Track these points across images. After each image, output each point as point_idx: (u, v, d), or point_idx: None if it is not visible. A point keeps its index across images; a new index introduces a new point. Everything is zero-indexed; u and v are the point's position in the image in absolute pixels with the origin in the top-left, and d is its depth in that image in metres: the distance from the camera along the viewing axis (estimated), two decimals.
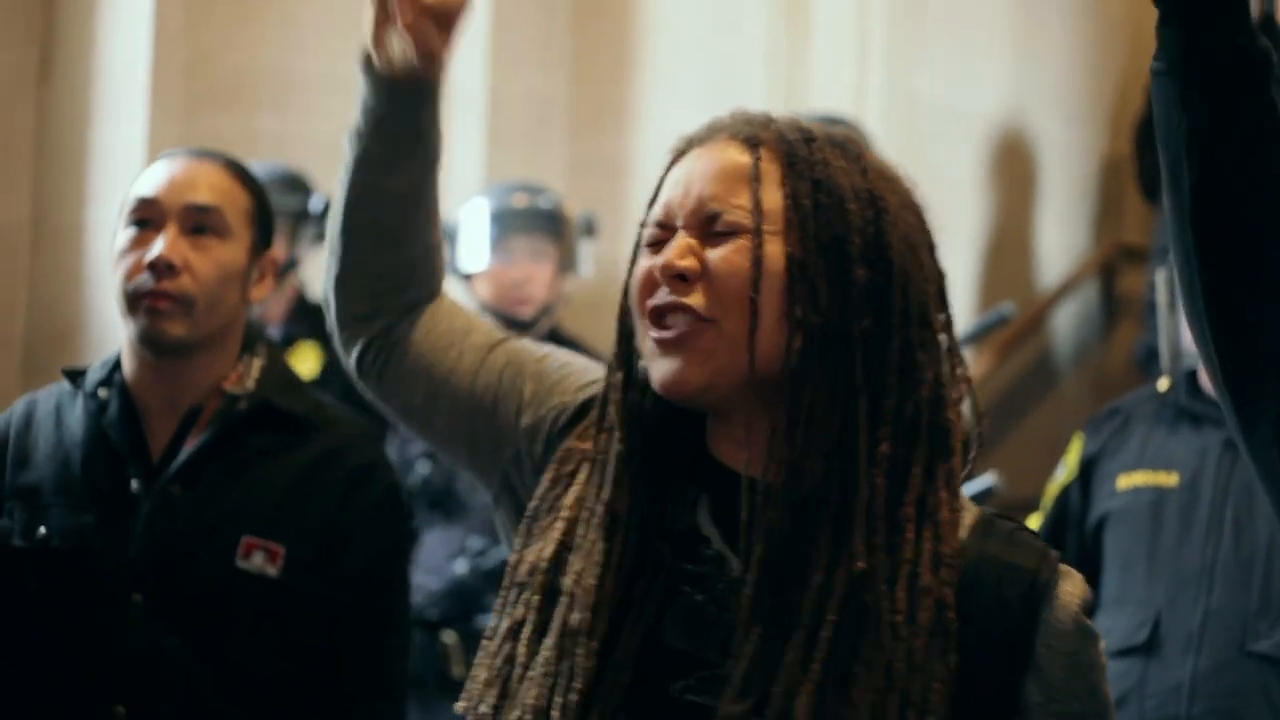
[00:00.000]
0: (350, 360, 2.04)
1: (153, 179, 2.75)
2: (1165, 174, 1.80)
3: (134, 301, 2.70)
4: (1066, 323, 6.25)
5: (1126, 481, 3.67)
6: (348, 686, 2.76)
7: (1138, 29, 6.41)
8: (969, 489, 4.12)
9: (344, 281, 2.02)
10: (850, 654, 1.68)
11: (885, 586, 1.69)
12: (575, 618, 1.76)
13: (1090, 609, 1.81)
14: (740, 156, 1.77)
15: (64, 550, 2.71)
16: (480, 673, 1.82)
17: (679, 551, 1.77)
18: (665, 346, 1.74)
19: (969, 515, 1.77)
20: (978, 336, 5.25)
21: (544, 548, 1.81)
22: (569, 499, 1.83)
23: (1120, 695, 3.51)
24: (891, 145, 5.23)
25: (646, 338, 1.77)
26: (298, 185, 5.01)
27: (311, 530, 2.73)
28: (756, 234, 1.73)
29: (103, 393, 2.77)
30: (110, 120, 5.28)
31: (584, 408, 1.89)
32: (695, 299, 1.74)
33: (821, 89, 5.54)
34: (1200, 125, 1.75)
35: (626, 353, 1.83)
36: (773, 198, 1.75)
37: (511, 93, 5.70)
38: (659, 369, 1.75)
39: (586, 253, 4.89)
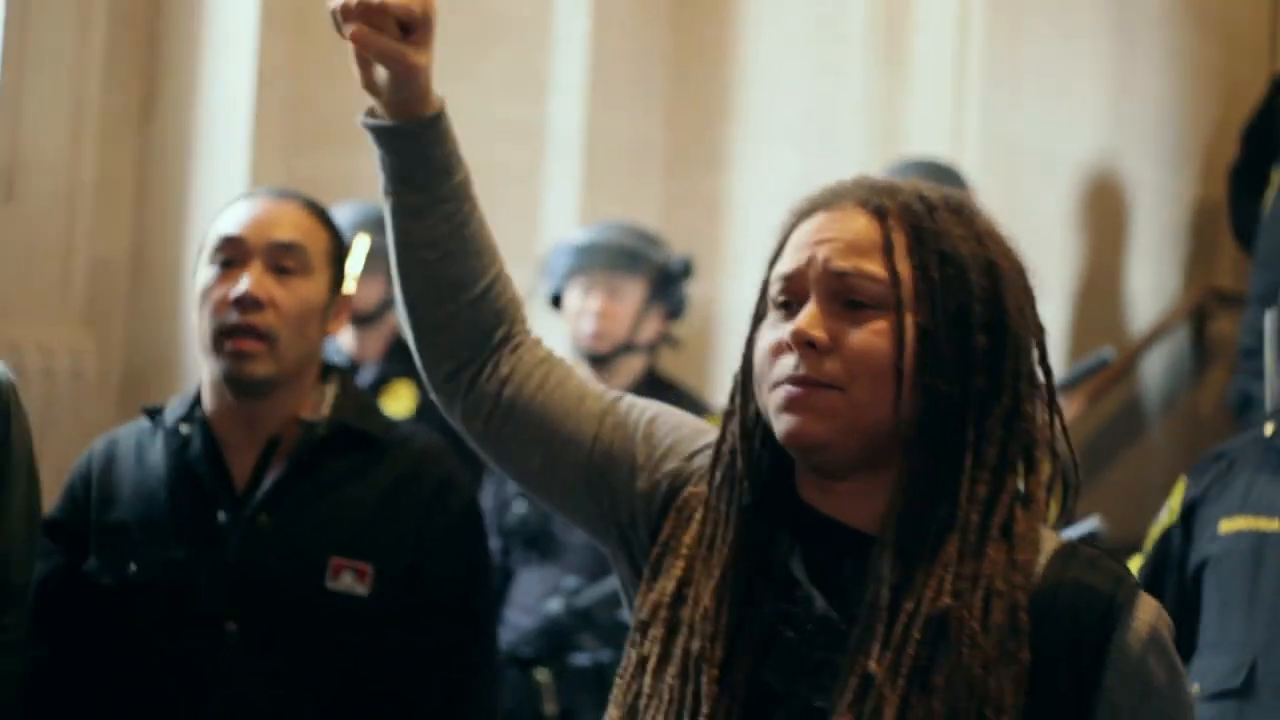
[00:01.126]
0: (461, 426, 2.05)
1: (236, 217, 2.81)
2: None
3: (219, 339, 2.75)
4: (1157, 368, 6.23)
5: (1229, 526, 3.67)
6: (439, 697, 2.79)
7: (1231, 76, 6.40)
8: (1072, 532, 4.13)
9: (422, 345, 2.02)
10: (930, 665, 1.76)
11: (965, 599, 1.77)
12: (696, 645, 1.84)
13: (1174, 640, 1.85)
14: (869, 225, 1.84)
15: (156, 584, 2.76)
16: (613, 710, 1.91)
17: (778, 593, 1.86)
18: (791, 403, 1.81)
19: (1052, 542, 1.85)
20: (1079, 380, 5.25)
21: (666, 585, 1.89)
22: (688, 539, 1.91)
23: None
24: (987, 190, 5.25)
25: (774, 392, 1.84)
26: None
27: (398, 546, 2.78)
28: (899, 307, 1.81)
29: (184, 429, 2.81)
30: (212, 159, 5.36)
31: (694, 473, 1.97)
32: (827, 371, 1.81)
33: (919, 134, 5.56)
34: None
35: (744, 402, 1.90)
36: (903, 269, 1.82)
37: (608, 134, 5.74)
38: (783, 422, 1.82)
39: (685, 294, 4.92)
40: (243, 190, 5.26)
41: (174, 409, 2.87)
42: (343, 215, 4.94)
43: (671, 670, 1.86)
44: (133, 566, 2.78)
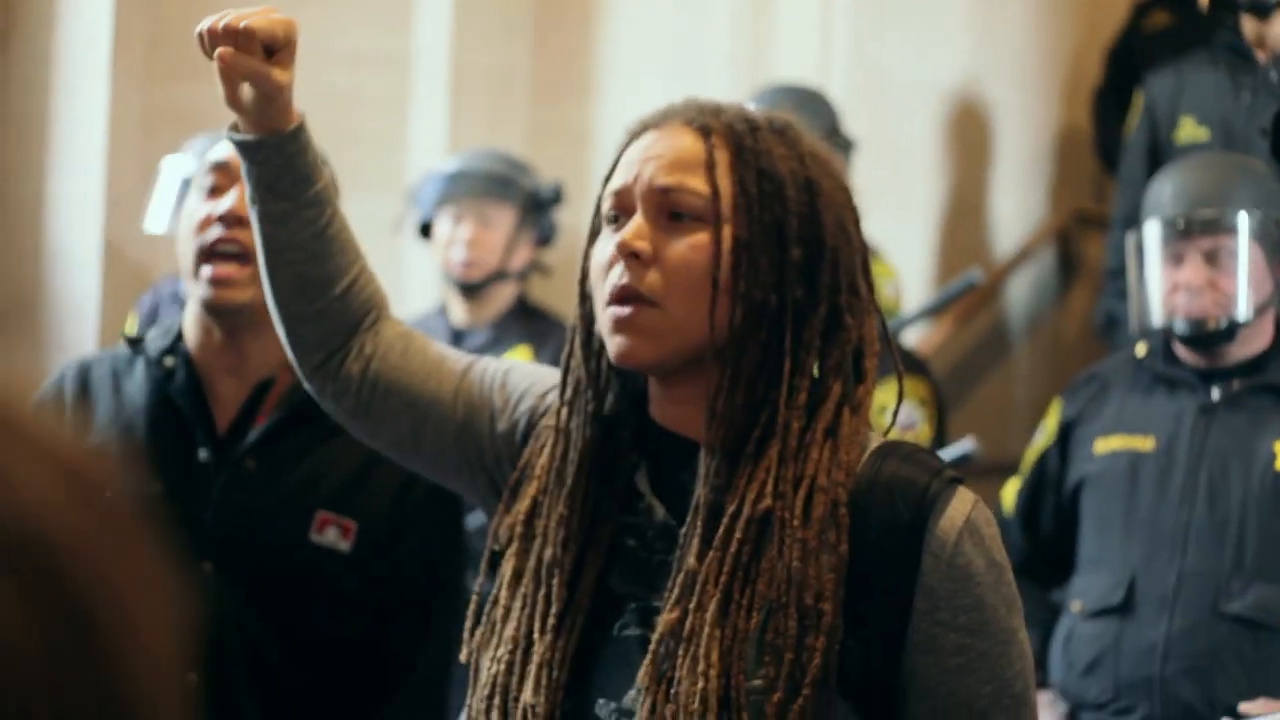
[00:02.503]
0: (333, 408, 2.15)
1: (226, 146, 2.78)
2: None
3: (199, 262, 2.73)
4: (1023, 289, 6.29)
5: (1104, 445, 3.73)
6: (393, 665, 2.80)
7: (1093, 2, 6.45)
8: (948, 453, 4.17)
9: (292, 339, 2.14)
10: (755, 559, 1.85)
11: (788, 500, 1.86)
12: (549, 553, 1.95)
13: (995, 526, 1.91)
14: (694, 143, 1.93)
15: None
16: (470, 622, 2.02)
17: (621, 506, 1.96)
18: (618, 325, 1.90)
19: (874, 442, 1.93)
20: (948, 302, 5.29)
21: (521, 505, 2.00)
22: (542, 461, 2.00)
23: (1097, 655, 3.58)
24: (854, 115, 5.26)
25: (604, 312, 1.92)
26: None
27: (382, 506, 2.78)
28: (717, 220, 1.90)
29: (168, 361, 2.79)
30: (71, 92, 5.28)
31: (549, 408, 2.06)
32: (648, 283, 1.89)
33: (785, 61, 5.57)
34: None
35: (588, 319, 1.99)
36: (724, 184, 1.91)
37: (474, 62, 5.71)
38: (613, 344, 1.91)
39: (554, 221, 4.91)
40: (103, 120, 5.20)
41: (156, 340, 2.84)
42: (203, 146, 4.90)
43: (526, 579, 1.96)
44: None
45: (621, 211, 1.94)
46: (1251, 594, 3.50)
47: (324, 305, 2.10)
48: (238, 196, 2.71)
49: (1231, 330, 3.64)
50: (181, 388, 2.78)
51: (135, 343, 2.86)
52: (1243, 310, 3.64)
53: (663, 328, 1.89)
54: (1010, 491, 3.89)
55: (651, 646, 1.85)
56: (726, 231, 1.90)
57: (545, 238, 4.89)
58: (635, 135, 1.98)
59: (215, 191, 2.76)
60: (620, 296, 1.90)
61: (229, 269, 2.72)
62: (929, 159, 5.98)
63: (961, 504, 1.87)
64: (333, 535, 2.76)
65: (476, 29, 5.72)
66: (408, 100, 5.68)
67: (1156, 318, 3.72)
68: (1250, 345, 3.68)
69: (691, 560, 1.86)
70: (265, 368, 2.79)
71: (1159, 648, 3.51)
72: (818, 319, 1.90)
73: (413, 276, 5.42)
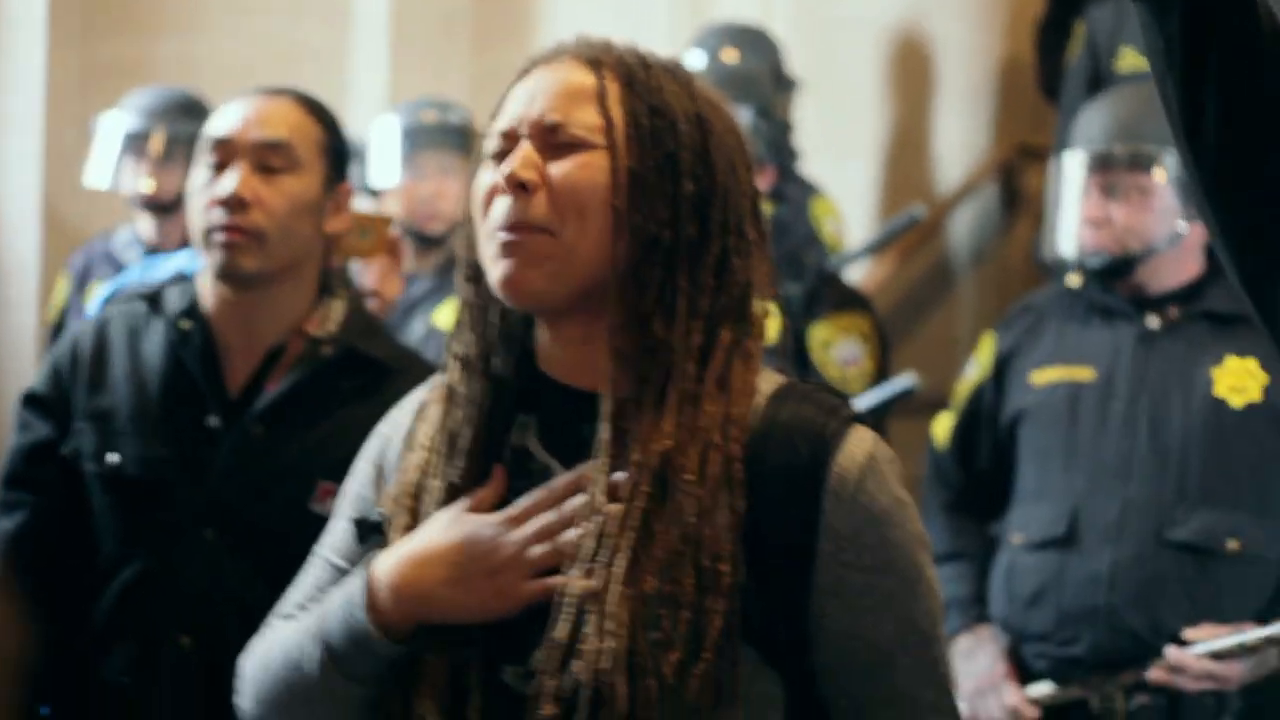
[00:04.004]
0: None
1: (225, 119, 2.81)
2: (1176, 97, 1.82)
3: (208, 236, 2.76)
4: (967, 223, 6.31)
5: (1041, 377, 3.73)
6: None
7: None
8: (889, 388, 4.18)
9: None
10: (654, 517, 1.80)
11: (684, 448, 1.81)
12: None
13: (891, 463, 1.87)
14: (584, 76, 1.88)
15: (138, 478, 2.77)
16: None
17: (511, 468, 1.90)
18: (506, 249, 1.84)
19: (770, 384, 1.89)
20: (890, 239, 5.30)
21: (407, 476, 1.94)
22: (425, 430, 1.95)
23: (1040, 586, 3.58)
24: (795, 53, 5.26)
25: (490, 242, 1.87)
26: (197, 110, 4.99)
27: None
28: (612, 148, 1.85)
29: (185, 324, 2.81)
30: (8, 50, 5.25)
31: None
32: (535, 211, 1.84)
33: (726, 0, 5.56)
34: (1185, 43, 1.79)
35: (473, 264, 1.92)
36: (615, 115, 1.86)
37: (415, 7, 5.70)
38: (500, 270, 1.85)
39: None
40: (40, 80, 5.17)
41: (174, 300, 2.85)
42: (141, 101, 4.88)
43: None
44: (116, 456, 2.78)
45: (508, 149, 1.87)
46: (1195, 520, 3.51)
47: None
48: (239, 177, 2.74)
49: (1124, 265, 3.64)
50: (195, 352, 2.80)
51: (152, 300, 2.87)
52: (1140, 244, 3.63)
53: (554, 253, 1.84)
54: (943, 426, 3.89)
55: (566, 611, 1.80)
56: (621, 162, 1.85)
57: None
58: (524, 73, 1.92)
59: (217, 169, 2.78)
60: (511, 230, 1.84)
61: (239, 237, 2.74)
62: (870, 95, 5.98)
63: (861, 442, 1.84)
64: (333, 505, 2.76)
65: None
66: (348, 49, 5.67)
67: (1068, 249, 3.73)
68: (1177, 275, 3.67)
69: (601, 498, 1.81)
70: (276, 334, 2.81)
71: (1104, 577, 3.52)
72: (710, 258, 1.86)
73: None
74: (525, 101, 1.88)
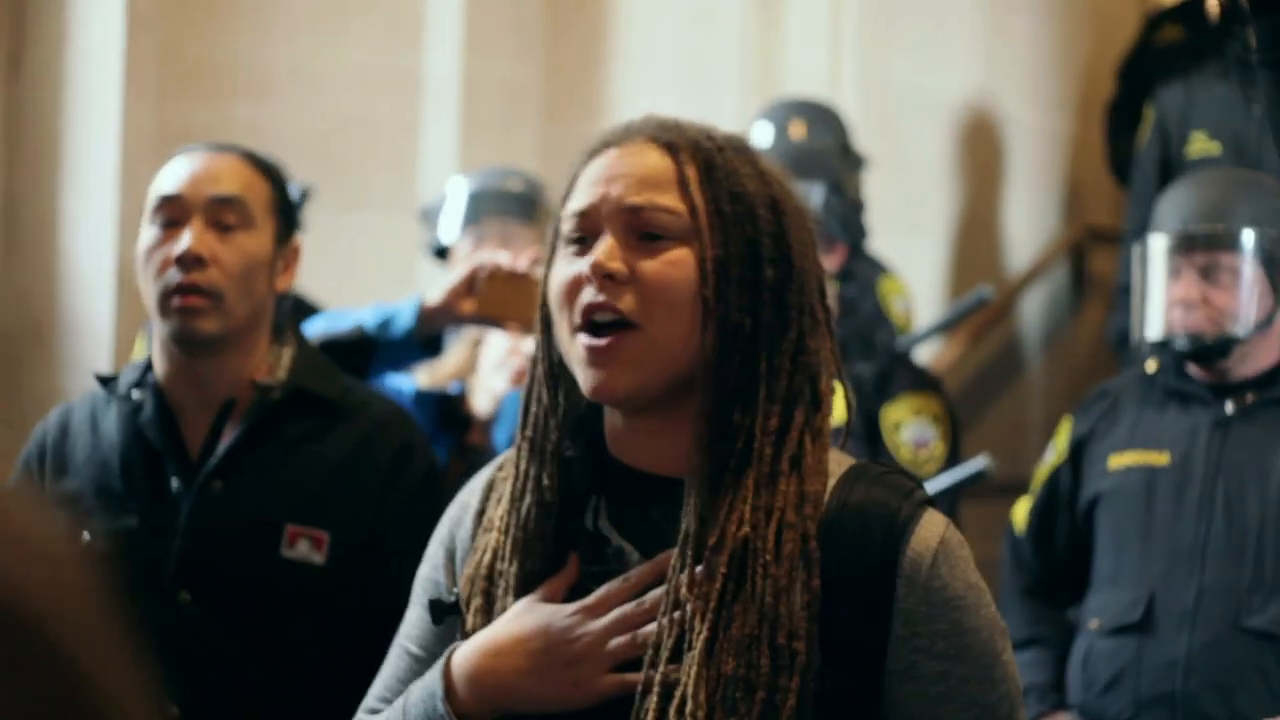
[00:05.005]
0: None
1: (174, 175, 2.75)
2: None
3: (165, 299, 2.71)
4: (1036, 305, 6.29)
5: (1118, 461, 3.72)
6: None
7: (1104, 14, 6.45)
8: (962, 471, 4.15)
9: None
10: (736, 595, 1.79)
11: (760, 529, 1.81)
12: (508, 602, 1.89)
13: (961, 547, 1.85)
14: (662, 160, 1.86)
15: (107, 554, 2.70)
16: None
17: (586, 552, 1.90)
18: (596, 354, 1.83)
19: (840, 464, 1.88)
20: (959, 319, 5.27)
21: (481, 558, 1.95)
22: (499, 512, 1.95)
23: (1117, 672, 3.56)
24: (864, 131, 5.26)
25: (575, 341, 1.85)
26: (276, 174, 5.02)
27: (356, 513, 2.75)
28: (699, 237, 1.84)
29: (136, 394, 2.77)
30: (83, 111, 5.28)
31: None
32: (625, 303, 1.82)
33: (795, 78, 5.57)
34: None
35: (548, 350, 1.92)
36: (697, 203, 1.85)
37: (485, 79, 5.71)
38: (590, 377, 1.84)
39: None
40: (115, 141, 5.20)
41: (127, 375, 2.82)
42: None
43: None
44: (85, 535, 2.72)
45: (586, 233, 1.86)
46: (1272, 608, 3.49)
47: None
48: (194, 234, 2.70)
49: (1226, 346, 3.63)
50: (150, 419, 2.76)
51: (107, 382, 2.84)
52: (1239, 327, 3.63)
53: (643, 353, 1.82)
54: (1021, 510, 3.88)
55: (648, 697, 1.80)
56: (706, 252, 1.83)
57: None
58: (594, 153, 1.89)
59: (169, 227, 2.73)
60: (590, 315, 1.83)
61: (194, 299, 2.70)
62: (940, 174, 5.97)
63: (933, 526, 1.83)
64: (304, 548, 2.71)
65: (487, 48, 5.72)
66: (419, 120, 5.69)
67: (1155, 332, 3.71)
68: (1259, 360, 3.67)
69: (684, 592, 1.80)
70: (229, 390, 2.77)
71: (1180, 663, 3.50)
72: (788, 342, 1.85)
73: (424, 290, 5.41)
74: (603, 184, 1.86)
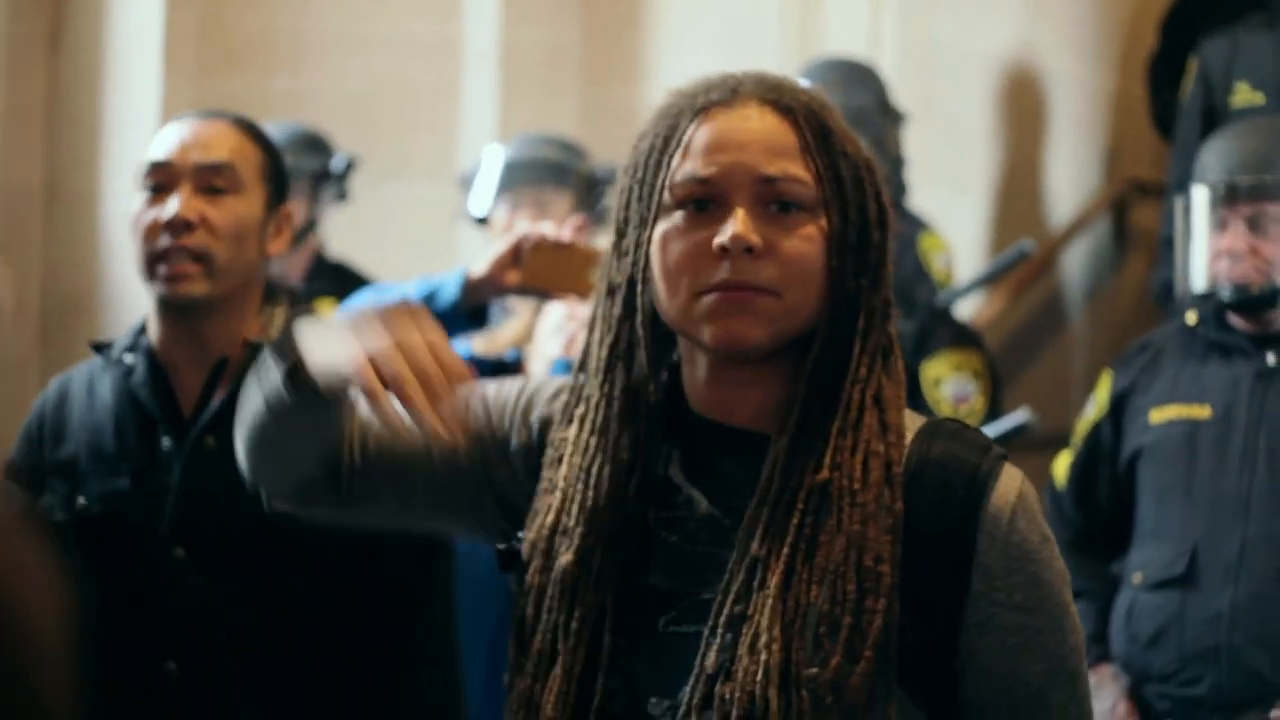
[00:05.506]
0: (306, 515, 2.07)
1: (164, 143, 2.77)
2: None
3: (153, 264, 2.73)
4: (1079, 259, 6.27)
5: (1159, 415, 3.71)
6: (397, 618, 2.79)
7: None
8: (1003, 424, 4.15)
9: (264, 480, 2.05)
10: (816, 531, 1.81)
11: (844, 467, 1.82)
12: (568, 559, 1.88)
13: (1037, 504, 1.87)
14: (780, 125, 1.85)
15: (104, 515, 2.74)
16: (510, 648, 1.94)
17: (655, 500, 1.89)
18: (730, 303, 1.82)
19: (915, 422, 1.89)
20: (1000, 273, 5.27)
21: (545, 519, 1.92)
22: (562, 473, 1.92)
23: (1160, 626, 3.55)
24: (906, 89, 5.24)
25: (700, 300, 1.83)
26: (317, 145, 5.03)
27: None
28: (826, 208, 1.84)
29: (129, 358, 2.79)
30: (123, 85, 5.31)
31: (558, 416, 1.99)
32: (764, 274, 1.82)
33: (835, 36, 5.55)
34: None
35: (635, 306, 1.90)
36: (824, 174, 1.85)
37: (524, 43, 5.71)
38: (719, 326, 1.82)
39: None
40: (155, 115, 5.22)
41: (121, 341, 2.84)
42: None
43: (552, 591, 1.89)
44: (81, 499, 2.76)
45: (710, 199, 1.84)
46: None
47: (308, 468, 2.00)
48: (182, 199, 2.71)
49: (1274, 296, 3.62)
50: (142, 380, 2.77)
51: (101, 348, 2.86)
52: None
53: (777, 314, 1.82)
54: (1062, 465, 3.87)
55: (715, 638, 1.80)
56: (833, 221, 1.84)
57: (602, 219, 4.89)
58: (699, 113, 1.87)
59: (158, 192, 2.74)
60: (735, 288, 1.81)
61: (184, 265, 2.71)
62: (982, 130, 5.95)
63: (1012, 480, 1.84)
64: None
65: (525, 11, 5.72)
66: (458, 85, 5.69)
67: (1200, 284, 3.70)
68: None
69: (754, 545, 1.81)
70: (221, 349, 2.78)
71: (1225, 616, 3.49)
72: (879, 300, 1.87)
73: (469, 262, 5.42)
74: (731, 150, 1.85)
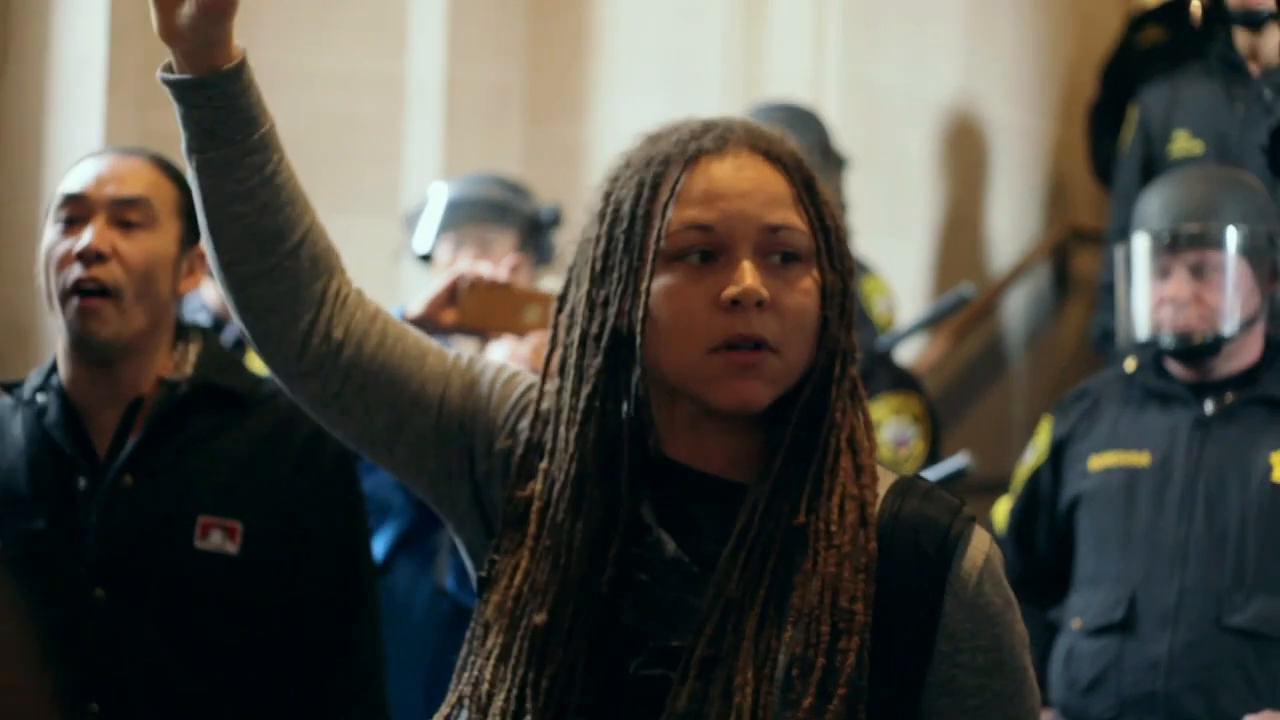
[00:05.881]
0: (294, 386, 2.00)
1: (79, 176, 2.75)
2: None
3: (65, 298, 2.70)
4: (1019, 305, 6.30)
5: (1098, 462, 3.73)
6: (323, 656, 2.78)
7: (1086, 14, 6.46)
8: (943, 468, 4.17)
9: (242, 304, 1.97)
10: (789, 573, 1.81)
11: (820, 511, 1.82)
12: (540, 619, 1.86)
13: (1003, 565, 1.88)
14: (774, 175, 1.85)
15: (20, 558, 2.70)
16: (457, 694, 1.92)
17: (627, 538, 1.87)
18: (746, 368, 1.82)
19: (888, 478, 1.89)
20: (940, 317, 5.29)
21: (511, 579, 1.89)
22: (530, 531, 1.90)
23: (1099, 672, 3.57)
24: (847, 132, 5.27)
25: (709, 359, 1.82)
26: None
27: (269, 502, 2.75)
28: (818, 260, 1.85)
29: (40, 398, 2.77)
30: (66, 116, 5.28)
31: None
32: (770, 330, 1.82)
33: (779, 79, 5.57)
34: None
35: (618, 360, 1.88)
36: (814, 224, 1.86)
37: (468, 82, 5.71)
38: (734, 388, 1.82)
39: (554, 243, 4.91)
40: (99, 147, 5.19)
41: (31, 380, 2.82)
42: None
43: (519, 649, 1.86)
44: None
45: (714, 249, 1.83)
46: (1253, 607, 3.50)
47: (276, 262, 1.93)
48: (95, 231, 2.69)
49: (1217, 344, 3.64)
50: (55, 420, 2.75)
51: (11, 388, 2.84)
52: (1228, 325, 3.64)
53: (780, 373, 1.83)
54: (1002, 510, 3.89)
55: (685, 683, 1.80)
56: (825, 274, 1.86)
57: (544, 259, 4.89)
58: (690, 160, 1.86)
59: (71, 225, 2.72)
60: (743, 347, 1.81)
61: (95, 302, 2.69)
62: (923, 175, 5.98)
63: (981, 543, 1.85)
64: (218, 539, 2.72)
65: (470, 50, 5.72)
66: (402, 122, 5.68)
67: (1142, 331, 3.72)
68: (1240, 359, 3.68)
69: (730, 588, 1.80)
70: (135, 390, 2.76)
71: (1162, 663, 3.51)
72: (849, 344, 1.87)
73: (410, 301, 5.41)
74: (731, 199, 1.84)
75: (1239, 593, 3.50)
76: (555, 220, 4.87)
